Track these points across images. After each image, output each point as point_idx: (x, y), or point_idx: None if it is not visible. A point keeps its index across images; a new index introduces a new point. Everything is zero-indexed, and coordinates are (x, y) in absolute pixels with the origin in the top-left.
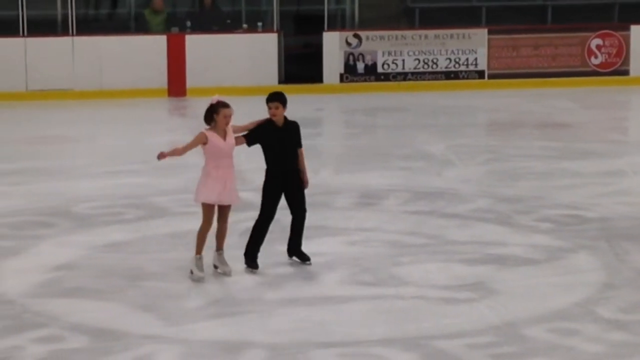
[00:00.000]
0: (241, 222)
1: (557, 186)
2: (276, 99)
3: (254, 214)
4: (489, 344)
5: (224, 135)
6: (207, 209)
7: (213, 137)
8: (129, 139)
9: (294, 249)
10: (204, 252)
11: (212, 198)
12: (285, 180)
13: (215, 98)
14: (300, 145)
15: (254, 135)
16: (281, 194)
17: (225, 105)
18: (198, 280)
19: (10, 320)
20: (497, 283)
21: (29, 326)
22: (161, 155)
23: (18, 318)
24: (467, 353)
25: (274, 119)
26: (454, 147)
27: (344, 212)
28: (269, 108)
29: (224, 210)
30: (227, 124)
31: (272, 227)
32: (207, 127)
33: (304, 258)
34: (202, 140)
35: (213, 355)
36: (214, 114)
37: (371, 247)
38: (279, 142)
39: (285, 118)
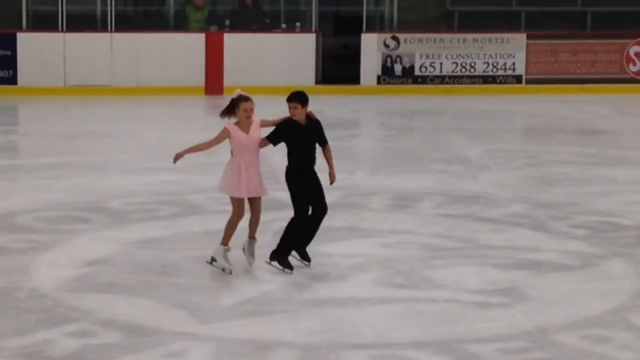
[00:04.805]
0: (275, 222)
1: (592, 193)
2: (295, 99)
3: (288, 213)
4: (521, 349)
5: (247, 129)
6: (237, 201)
7: (235, 131)
8: (166, 136)
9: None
10: (231, 244)
11: (242, 192)
12: (307, 176)
13: (237, 92)
14: (326, 142)
15: (277, 134)
16: (308, 191)
17: (245, 99)
18: (223, 269)
19: (43, 314)
20: (530, 288)
21: (61, 320)
22: (176, 158)
23: (51, 312)
24: (499, 358)
25: (294, 118)
26: (490, 152)
27: (379, 213)
28: (289, 108)
29: (254, 202)
30: (247, 117)
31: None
32: (233, 121)
33: (306, 258)
34: (226, 136)
35: (244, 354)
36: (235, 108)
37: (405, 249)
38: (302, 139)
39: (307, 116)
